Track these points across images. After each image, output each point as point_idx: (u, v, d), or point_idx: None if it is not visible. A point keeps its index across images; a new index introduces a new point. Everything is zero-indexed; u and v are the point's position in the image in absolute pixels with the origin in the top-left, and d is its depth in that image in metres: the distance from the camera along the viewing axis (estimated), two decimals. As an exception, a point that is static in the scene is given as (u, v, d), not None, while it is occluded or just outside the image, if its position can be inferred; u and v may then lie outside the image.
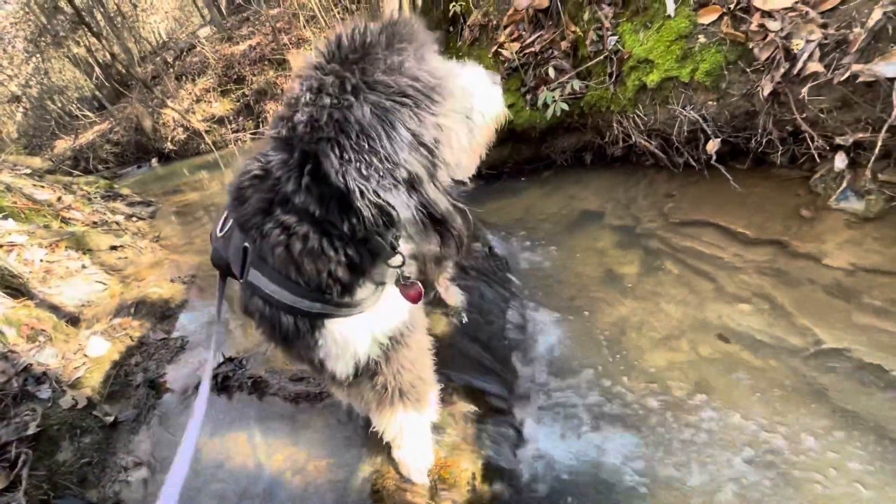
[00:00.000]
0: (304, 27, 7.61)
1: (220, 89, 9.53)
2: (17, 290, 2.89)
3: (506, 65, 3.12)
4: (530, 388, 1.81)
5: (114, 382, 2.07)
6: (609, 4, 2.63)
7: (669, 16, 2.39)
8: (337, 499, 1.40)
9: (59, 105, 14.46)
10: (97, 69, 13.11)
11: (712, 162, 2.43)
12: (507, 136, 3.34)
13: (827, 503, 1.28)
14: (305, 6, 7.33)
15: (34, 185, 5.37)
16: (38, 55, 14.25)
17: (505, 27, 3.14)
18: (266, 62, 9.06)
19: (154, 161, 9.97)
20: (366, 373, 1.23)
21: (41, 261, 3.41)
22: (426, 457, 1.41)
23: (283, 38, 8.85)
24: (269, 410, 1.80)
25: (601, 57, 2.70)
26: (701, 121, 2.42)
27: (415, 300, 1.10)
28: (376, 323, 1.10)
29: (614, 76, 2.68)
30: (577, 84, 2.76)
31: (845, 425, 1.42)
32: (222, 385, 1.98)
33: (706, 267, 2.09)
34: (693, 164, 2.65)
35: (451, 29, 3.71)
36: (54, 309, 2.84)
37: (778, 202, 2.24)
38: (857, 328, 1.62)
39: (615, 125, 2.83)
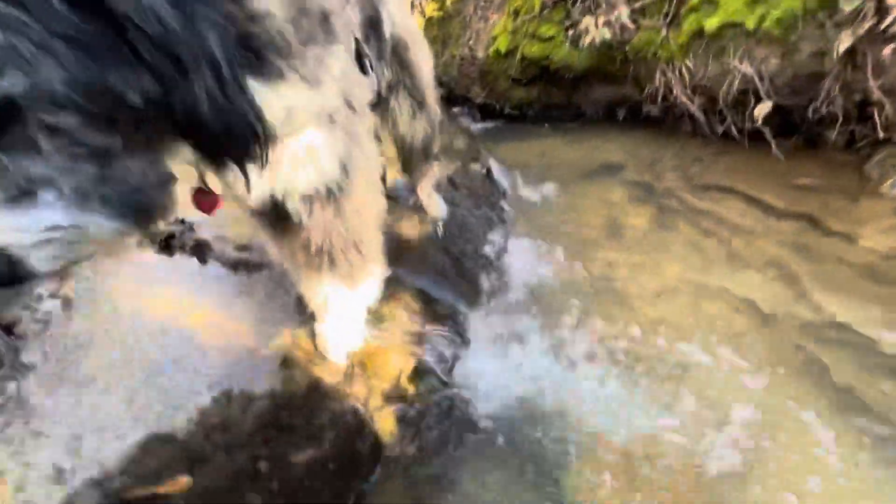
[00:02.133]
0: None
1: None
2: None
3: (553, -8, 2.82)
4: (492, 309, 1.60)
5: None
6: (683, -71, 2.30)
7: (750, -52, 2.06)
8: (244, 362, 1.22)
9: None
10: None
11: (757, 125, 2.14)
12: (539, 74, 3.06)
13: (802, 479, 1.06)
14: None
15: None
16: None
17: (562, -50, 2.82)
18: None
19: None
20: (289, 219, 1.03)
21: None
22: (350, 338, 1.23)
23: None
24: (203, 273, 1.63)
25: (661, -8, 2.39)
26: (756, 78, 2.12)
27: (207, 210, 0.86)
28: (271, 176, 0.85)
29: (670, 17, 2.37)
30: (625, 14, 2.46)
31: (843, 407, 1.19)
32: (165, 244, 1.81)
33: (722, 231, 1.84)
34: (734, 133, 2.36)
35: (505, -47, 3.39)
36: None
37: (821, 182, 1.96)
38: (882, 312, 1.37)
39: (658, 76, 2.53)
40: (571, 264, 1.81)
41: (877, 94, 1.80)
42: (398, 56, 1.35)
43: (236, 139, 0.56)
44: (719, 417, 1.22)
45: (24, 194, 0.45)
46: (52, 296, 1.61)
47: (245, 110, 0.55)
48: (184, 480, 0.82)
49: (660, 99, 2.62)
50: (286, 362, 1.15)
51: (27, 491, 0.89)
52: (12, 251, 0.46)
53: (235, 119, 0.54)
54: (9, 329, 1.44)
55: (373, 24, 1.16)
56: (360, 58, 0.97)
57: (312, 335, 1.23)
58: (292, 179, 0.89)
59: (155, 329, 1.39)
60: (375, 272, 1.22)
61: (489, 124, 3.40)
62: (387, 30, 1.23)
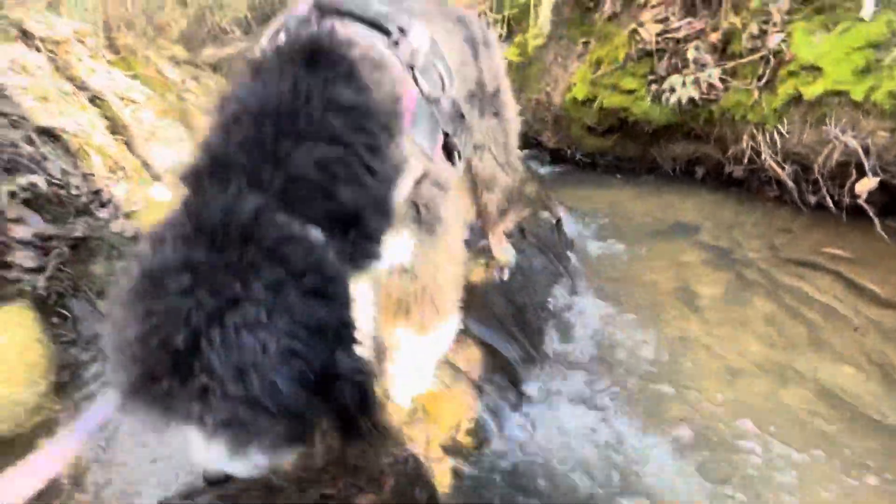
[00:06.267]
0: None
1: (351, 34, 9.94)
2: (125, 140, 3.15)
3: (639, 46, 2.82)
4: (552, 367, 1.58)
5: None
6: (787, -5, 2.24)
7: (863, 19, 1.97)
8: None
9: (217, 19, 16.07)
10: (256, -6, 14.30)
11: (859, 200, 1.99)
12: (617, 125, 3.05)
13: None
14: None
15: (170, 66, 5.92)
16: (213, -29, 15.90)
17: (653, 6, 2.83)
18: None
19: (275, 85, 10.67)
20: None
21: (150, 123, 3.70)
22: (417, 383, 1.26)
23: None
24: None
25: (756, 56, 2.32)
26: (861, 152, 1.99)
27: None
28: None
29: (764, 80, 2.30)
30: (716, 74, 2.40)
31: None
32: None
33: (810, 314, 1.71)
34: (829, 205, 2.21)
35: (592, 4, 3.45)
36: (146, 164, 3.05)
37: (933, 271, 1.78)
38: None
39: (746, 139, 2.44)
40: (638, 330, 1.75)
41: None
42: (492, 104, 1.40)
43: None
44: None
45: None
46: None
47: None
48: (257, 509, 0.87)
49: (745, 161, 2.52)
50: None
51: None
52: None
53: None
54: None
55: (478, 84, 1.24)
56: (448, 149, 1.03)
57: (382, 372, 1.27)
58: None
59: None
60: (448, 323, 1.24)
61: (558, 168, 3.41)
62: (490, 85, 1.30)
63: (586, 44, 3.42)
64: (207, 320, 0.52)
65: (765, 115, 2.30)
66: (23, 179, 1.92)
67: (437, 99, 0.93)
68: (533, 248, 2.00)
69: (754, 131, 2.38)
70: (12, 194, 1.80)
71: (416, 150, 0.88)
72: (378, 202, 0.74)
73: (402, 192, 0.85)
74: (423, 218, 0.96)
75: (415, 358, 1.25)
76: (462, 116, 1.04)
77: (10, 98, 2.55)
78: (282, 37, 0.82)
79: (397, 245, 0.96)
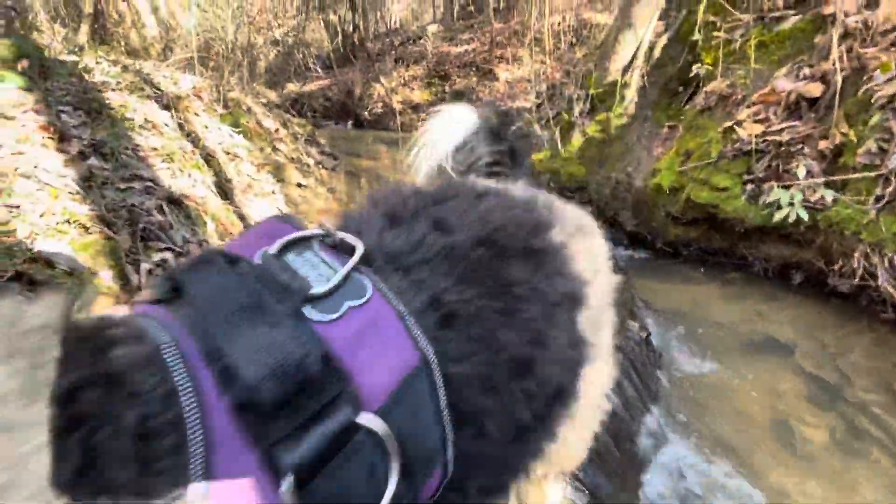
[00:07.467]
0: (524, 46, 7.92)
1: (425, 80, 10.44)
2: (225, 192, 3.46)
3: (735, 145, 2.75)
4: (645, 514, 1.52)
5: (263, 301, 2.32)
6: (913, 117, 2.12)
7: None
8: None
9: (301, 57, 17.43)
10: (340, 36, 15.44)
11: None
12: (704, 217, 2.96)
13: None
14: (531, 28, 7.58)
15: (264, 114, 6.49)
16: (304, 13, 17.38)
17: (751, 105, 2.77)
18: (474, 68, 9.64)
19: (349, 123, 11.35)
20: None
21: (248, 175, 4.06)
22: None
23: (497, 52, 9.33)
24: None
25: (873, 174, 2.20)
26: None
27: None
28: None
29: (883, 202, 2.16)
30: (828, 194, 2.29)
31: None
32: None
33: (943, 488, 1.54)
34: (957, 343, 2.00)
35: (681, 90, 3.43)
36: (242, 218, 3.33)
37: None
38: None
39: (857, 257, 2.29)
40: (732, 473, 1.65)
41: None
42: None
43: None
44: None
45: None
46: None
47: None
48: None
49: (855, 278, 2.35)
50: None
51: None
52: None
53: None
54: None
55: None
56: None
57: None
58: None
59: None
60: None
61: (637, 254, 3.34)
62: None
63: (672, 128, 3.39)
64: None
65: (882, 237, 2.15)
66: (157, 255, 2.15)
67: None
68: (621, 370, 1.96)
69: (868, 251, 2.23)
70: (149, 271, 2.02)
71: None
72: None
73: None
74: None
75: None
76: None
77: (146, 160, 2.89)
78: None
79: None
